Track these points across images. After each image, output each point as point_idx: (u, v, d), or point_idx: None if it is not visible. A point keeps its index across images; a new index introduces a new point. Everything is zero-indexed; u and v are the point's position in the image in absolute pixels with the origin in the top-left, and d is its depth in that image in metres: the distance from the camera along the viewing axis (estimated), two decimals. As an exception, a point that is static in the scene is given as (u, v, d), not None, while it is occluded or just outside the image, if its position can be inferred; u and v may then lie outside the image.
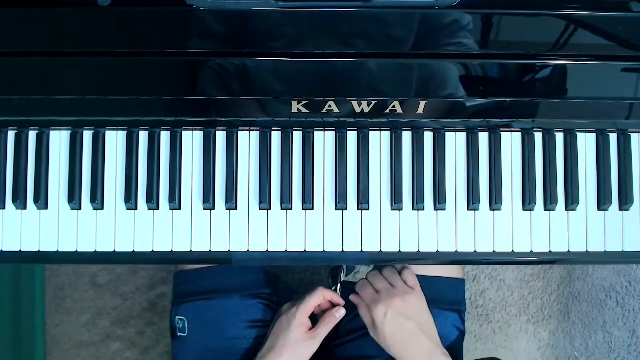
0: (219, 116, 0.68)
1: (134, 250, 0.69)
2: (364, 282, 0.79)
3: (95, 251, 0.69)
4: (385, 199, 0.70)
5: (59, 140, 0.70)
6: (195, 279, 0.82)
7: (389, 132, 0.70)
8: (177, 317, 0.81)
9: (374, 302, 0.75)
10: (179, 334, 0.81)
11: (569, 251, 0.70)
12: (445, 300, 0.82)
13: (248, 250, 0.69)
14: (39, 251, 0.69)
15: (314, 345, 0.75)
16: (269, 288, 0.83)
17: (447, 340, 0.79)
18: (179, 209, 0.69)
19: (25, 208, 0.70)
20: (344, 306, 0.80)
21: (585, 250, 0.70)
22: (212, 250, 0.69)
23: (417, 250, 0.70)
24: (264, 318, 0.81)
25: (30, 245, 0.69)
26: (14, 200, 0.69)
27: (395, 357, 0.73)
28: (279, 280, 0.88)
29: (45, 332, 1.36)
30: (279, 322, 0.77)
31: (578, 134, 0.71)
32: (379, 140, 0.70)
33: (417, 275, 0.80)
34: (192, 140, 0.70)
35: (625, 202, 0.70)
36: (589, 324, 1.42)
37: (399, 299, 0.74)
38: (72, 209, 0.70)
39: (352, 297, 0.80)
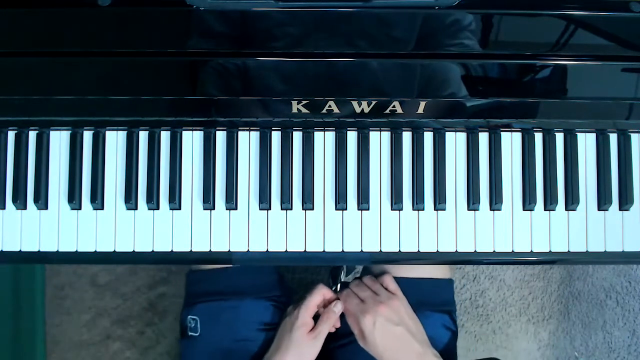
0: (219, 116, 0.68)
1: (134, 250, 0.69)
2: (348, 292, 0.79)
3: (95, 251, 0.69)
4: (385, 199, 0.70)
5: (59, 140, 0.70)
6: (209, 280, 0.82)
7: (389, 132, 0.70)
8: (190, 316, 0.81)
9: (360, 312, 0.75)
10: (190, 333, 0.81)
11: (569, 251, 0.70)
12: (434, 302, 0.82)
13: (248, 250, 0.69)
14: (39, 251, 0.69)
15: (317, 345, 0.75)
16: (280, 290, 0.83)
17: (439, 342, 0.79)
18: (179, 209, 0.69)
19: (25, 208, 0.70)
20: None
21: (585, 250, 0.70)
22: (212, 250, 0.69)
23: (417, 250, 0.70)
24: (273, 320, 0.81)
25: (30, 245, 0.69)
26: (14, 200, 0.69)
27: None
28: (284, 280, 0.88)
29: (45, 332, 1.36)
30: (283, 324, 0.77)
31: (578, 134, 0.71)
32: (379, 140, 0.70)
33: (405, 278, 0.80)
34: (192, 140, 0.70)
35: (625, 202, 0.70)
36: (589, 324, 1.42)
37: (384, 306, 0.74)
38: (72, 209, 0.69)
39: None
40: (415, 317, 0.76)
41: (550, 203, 0.70)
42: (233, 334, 0.79)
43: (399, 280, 0.79)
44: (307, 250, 0.70)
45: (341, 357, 0.84)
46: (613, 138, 0.71)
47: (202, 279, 0.83)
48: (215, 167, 0.69)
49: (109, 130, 0.70)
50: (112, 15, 0.65)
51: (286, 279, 0.89)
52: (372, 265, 0.84)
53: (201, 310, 0.81)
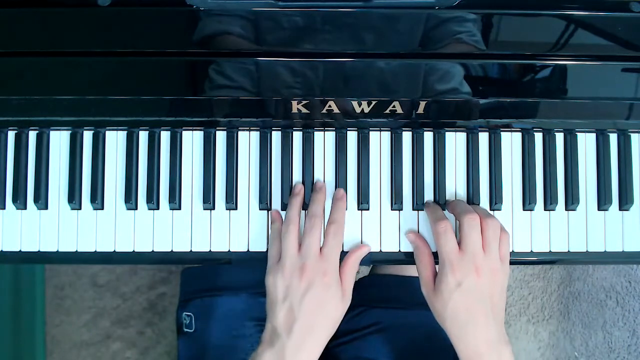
0: (219, 116, 0.68)
1: (134, 250, 0.69)
2: (445, 225, 0.62)
3: (95, 251, 0.69)
4: (385, 199, 0.70)
5: (59, 140, 0.70)
6: (203, 276, 0.82)
7: (389, 132, 0.70)
8: (185, 313, 0.81)
9: (451, 263, 0.60)
10: (185, 329, 0.81)
11: (569, 251, 0.70)
12: None
13: (248, 250, 0.69)
14: (39, 251, 0.69)
15: (346, 296, 0.63)
16: None
17: (445, 338, 0.78)
18: (179, 209, 0.69)
19: (25, 208, 0.70)
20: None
21: (585, 250, 0.70)
22: (212, 250, 0.69)
23: (417, 250, 0.69)
24: None
25: (30, 245, 0.69)
26: (14, 200, 0.69)
27: (446, 332, 0.63)
28: None
29: (45, 332, 1.37)
30: (273, 299, 0.62)
31: (578, 134, 0.71)
32: (379, 140, 0.70)
33: (411, 277, 0.78)
34: (192, 140, 0.70)
35: (625, 202, 0.70)
36: (589, 324, 1.42)
37: (484, 274, 0.60)
38: (72, 209, 0.69)
39: (410, 236, 0.67)
40: (504, 297, 0.64)
41: (550, 203, 0.70)
42: (228, 330, 0.79)
43: (406, 279, 0.78)
44: (307, 250, 0.69)
45: (342, 356, 0.83)
46: (613, 138, 0.71)
47: (197, 276, 0.83)
48: (215, 167, 0.69)
49: (109, 130, 0.70)
50: (112, 15, 0.65)
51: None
52: (372, 265, 0.84)
53: (195, 306, 0.80)
